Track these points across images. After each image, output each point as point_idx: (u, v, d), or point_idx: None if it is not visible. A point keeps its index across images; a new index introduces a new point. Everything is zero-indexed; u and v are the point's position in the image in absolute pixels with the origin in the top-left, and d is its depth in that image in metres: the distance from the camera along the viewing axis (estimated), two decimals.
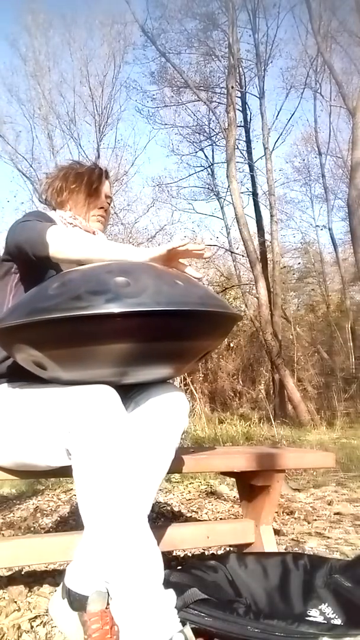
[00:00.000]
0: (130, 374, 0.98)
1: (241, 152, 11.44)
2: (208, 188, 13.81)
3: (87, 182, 1.37)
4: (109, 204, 1.45)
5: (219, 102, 11.70)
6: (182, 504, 2.47)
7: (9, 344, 0.99)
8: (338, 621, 1.01)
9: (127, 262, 1.00)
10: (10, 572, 1.47)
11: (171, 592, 0.86)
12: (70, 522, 2.15)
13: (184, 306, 0.89)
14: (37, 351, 0.92)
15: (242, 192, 10.23)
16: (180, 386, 6.95)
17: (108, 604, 0.89)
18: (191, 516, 2.23)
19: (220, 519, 2.16)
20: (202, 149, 13.54)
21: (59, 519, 2.24)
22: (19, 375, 1.12)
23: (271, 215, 10.26)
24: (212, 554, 1.64)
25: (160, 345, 0.92)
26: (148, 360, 0.95)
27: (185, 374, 7.06)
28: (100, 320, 0.84)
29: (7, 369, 1.15)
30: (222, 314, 0.96)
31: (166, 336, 0.91)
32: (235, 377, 11.78)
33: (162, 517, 2.17)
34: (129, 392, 1.04)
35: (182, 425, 1.07)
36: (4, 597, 1.28)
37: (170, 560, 0.89)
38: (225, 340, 8.77)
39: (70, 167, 1.41)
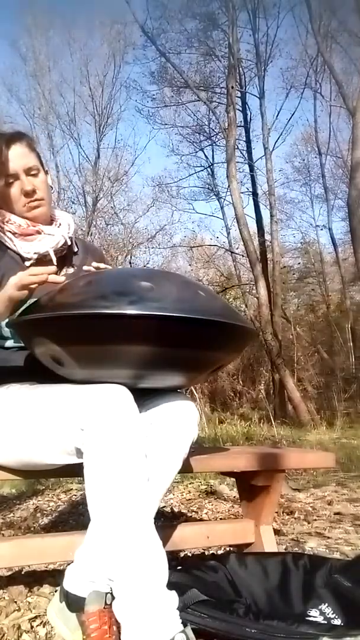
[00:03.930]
0: (145, 378, 0.99)
1: (241, 152, 11.46)
2: (208, 188, 13.82)
3: None
4: (35, 175, 1.15)
5: (219, 102, 11.71)
6: (182, 504, 2.47)
7: (30, 337, 1.01)
8: (338, 621, 1.01)
9: (152, 269, 1.03)
10: (10, 572, 1.47)
11: (174, 593, 0.86)
12: (70, 522, 2.15)
13: (204, 315, 0.91)
14: (57, 346, 0.93)
15: (242, 192, 10.24)
16: None
17: (107, 604, 0.90)
18: (191, 516, 2.23)
19: (220, 519, 2.16)
20: (202, 149, 13.57)
21: (59, 519, 2.24)
22: (29, 375, 1.12)
23: (271, 215, 10.26)
24: (212, 554, 1.64)
25: (176, 352, 0.94)
26: (163, 366, 0.97)
27: None
28: (121, 321, 0.86)
29: (18, 368, 1.15)
30: (238, 327, 0.98)
31: (183, 343, 0.92)
32: (235, 377, 11.79)
33: (162, 517, 2.17)
34: (141, 398, 1.04)
35: (191, 434, 1.06)
36: (4, 597, 1.28)
37: (170, 560, 0.89)
38: None
39: None
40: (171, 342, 0.91)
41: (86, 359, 0.94)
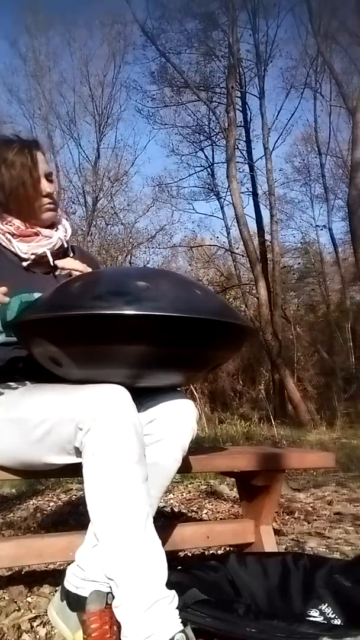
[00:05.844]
0: (143, 377, 0.99)
1: (241, 152, 11.47)
2: (208, 188, 13.84)
3: (20, 169, 1.14)
4: (52, 181, 1.21)
5: (219, 102, 11.72)
6: (182, 504, 2.47)
7: (27, 338, 1.01)
8: (338, 621, 1.01)
9: (148, 268, 1.02)
10: (10, 572, 1.47)
11: (173, 593, 0.86)
12: (70, 522, 2.14)
13: (201, 314, 0.90)
14: (54, 347, 0.93)
15: (242, 192, 10.25)
16: None
17: (107, 604, 0.90)
18: (191, 516, 2.23)
19: (220, 519, 2.16)
20: (202, 149, 13.59)
21: (59, 519, 2.23)
22: (28, 375, 1.12)
23: (271, 215, 10.26)
24: (212, 554, 1.64)
25: (174, 351, 0.94)
26: (161, 365, 0.97)
27: None
28: (117, 321, 0.86)
29: (16, 368, 1.15)
30: (236, 326, 0.97)
31: (180, 342, 0.92)
32: (235, 377, 11.80)
33: (162, 517, 2.17)
34: (140, 397, 1.05)
35: (190, 432, 1.06)
36: (4, 597, 1.28)
37: (170, 560, 0.89)
38: None
39: None
40: (168, 341, 0.91)
41: (84, 359, 0.94)
